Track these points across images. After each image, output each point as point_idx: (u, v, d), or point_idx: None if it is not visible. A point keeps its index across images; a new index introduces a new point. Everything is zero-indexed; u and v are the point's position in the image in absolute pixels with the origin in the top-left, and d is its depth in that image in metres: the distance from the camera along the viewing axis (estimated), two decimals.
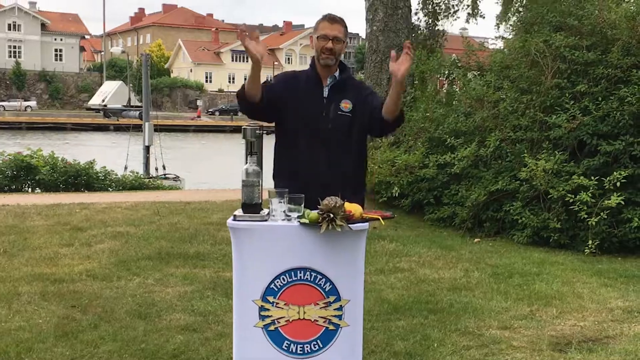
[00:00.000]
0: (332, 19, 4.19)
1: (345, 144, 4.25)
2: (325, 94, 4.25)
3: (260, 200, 3.86)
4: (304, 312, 3.77)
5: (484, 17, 14.84)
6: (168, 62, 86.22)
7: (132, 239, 8.32)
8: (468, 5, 14.80)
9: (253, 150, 3.95)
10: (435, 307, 5.83)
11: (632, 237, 7.75)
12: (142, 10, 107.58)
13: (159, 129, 21.65)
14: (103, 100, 62.00)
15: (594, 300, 6.05)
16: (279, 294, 3.74)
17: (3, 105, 65.57)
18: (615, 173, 7.77)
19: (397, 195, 9.71)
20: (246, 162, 3.90)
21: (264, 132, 4.07)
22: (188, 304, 5.87)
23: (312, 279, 3.75)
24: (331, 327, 3.78)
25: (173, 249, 7.80)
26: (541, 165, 8.06)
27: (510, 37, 11.60)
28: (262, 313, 3.75)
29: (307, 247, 3.74)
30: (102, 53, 75.52)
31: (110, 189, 15.79)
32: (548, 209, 8.20)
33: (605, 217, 7.64)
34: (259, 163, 3.96)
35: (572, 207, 7.81)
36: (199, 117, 67.16)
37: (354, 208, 3.83)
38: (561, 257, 7.67)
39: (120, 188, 15.94)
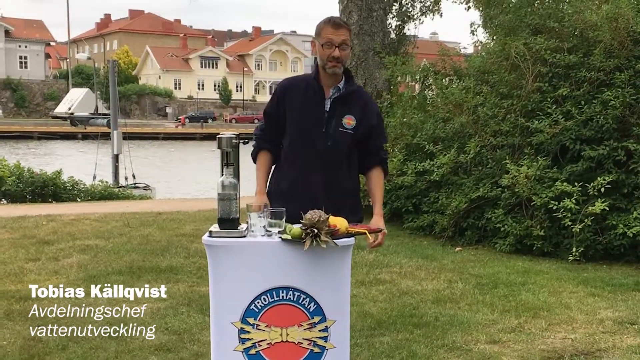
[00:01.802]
0: (336, 24, 3.83)
1: (344, 163, 3.98)
2: (327, 107, 3.93)
3: (238, 215, 3.63)
4: (287, 334, 3.55)
5: (441, 16, 14.49)
6: (136, 69, 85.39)
7: (101, 252, 8.04)
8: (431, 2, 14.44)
9: (229, 161, 3.72)
10: (420, 321, 5.62)
11: (617, 244, 7.58)
12: (108, 16, 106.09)
13: (127, 137, 21.30)
14: (69, 108, 61.09)
15: (583, 311, 5.89)
16: (259, 315, 3.52)
17: None
18: (599, 179, 7.62)
19: None
20: (222, 174, 3.68)
21: (241, 141, 3.83)
22: (162, 322, 5.62)
23: (295, 299, 3.53)
24: (316, 349, 3.56)
25: (145, 262, 7.52)
26: (523, 172, 7.90)
27: (488, 41, 11.46)
28: (242, 336, 3.52)
29: (289, 264, 3.52)
30: (68, 60, 74.52)
31: (79, 199, 15.52)
32: (531, 216, 8.04)
33: (590, 223, 7.48)
34: (236, 174, 3.74)
35: (555, 214, 7.65)
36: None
37: (338, 222, 3.62)
38: (545, 266, 7.51)
39: (89, 198, 15.67)
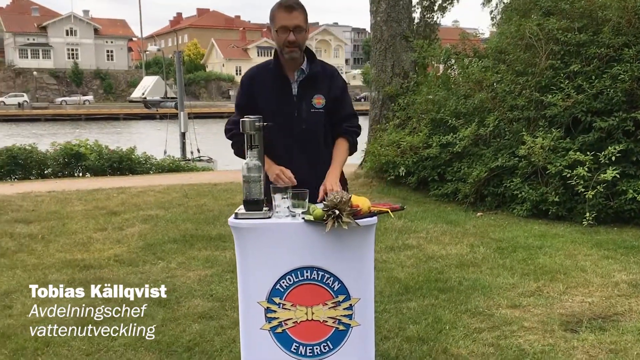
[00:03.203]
0: (288, 7, 3.21)
1: (322, 141, 3.42)
2: (295, 91, 3.35)
3: (262, 197, 3.13)
4: (312, 313, 3.04)
5: (458, 2, 13.62)
6: (203, 58, 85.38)
7: (160, 221, 7.64)
8: None
9: (253, 143, 3.20)
10: (445, 285, 5.07)
11: (627, 209, 6.90)
12: (179, 14, 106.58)
13: (194, 116, 20.95)
14: (143, 94, 61.15)
15: (598, 274, 5.27)
16: (285, 295, 3.02)
17: (65, 100, 65.21)
18: (610, 148, 6.92)
19: (403, 174, 8.93)
20: (246, 157, 3.17)
21: (265, 124, 3.29)
22: (207, 289, 5.17)
23: (319, 278, 3.02)
24: (341, 327, 3.06)
25: (197, 231, 7.10)
26: (539, 143, 7.23)
27: (502, 23, 10.70)
28: (269, 315, 3.03)
29: (313, 245, 3.00)
30: (147, 52, 74.58)
31: (151, 172, 15.20)
32: (546, 183, 7.38)
33: (602, 190, 6.81)
34: (260, 157, 3.23)
35: (569, 181, 6.99)
36: None
37: (361, 202, 3.08)
38: (561, 229, 6.86)
39: (159, 171, 15.35)
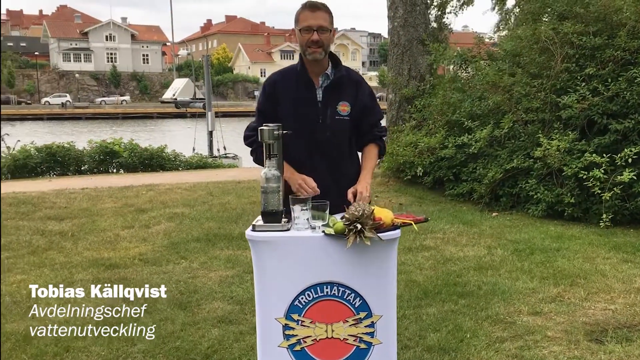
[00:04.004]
0: (313, 6, 2.90)
1: (347, 149, 3.05)
2: (320, 97, 2.98)
3: (282, 208, 2.76)
4: (332, 331, 2.67)
5: (473, 5, 13.07)
6: (231, 61, 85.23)
7: (185, 220, 7.31)
8: None
9: (272, 152, 2.82)
10: (464, 290, 4.67)
11: None
12: (209, 21, 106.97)
13: (222, 115, 20.63)
14: (174, 95, 61.02)
15: (619, 279, 4.83)
16: (304, 311, 2.65)
17: (104, 100, 65.56)
18: (626, 150, 6.44)
19: (421, 174, 8.50)
20: (265, 166, 2.80)
21: (284, 132, 2.91)
22: (227, 290, 4.82)
23: (340, 295, 2.65)
24: (362, 345, 2.68)
25: (220, 229, 6.76)
26: (555, 145, 6.77)
27: (515, 27, 10.20)
28: (287, 332, 2.66)
29: (333, 259, 2.63)
30: (179, 56, 74.58)
31: (180, 169, 14.92)
32: (561, 184, 6.92)
33: (618, 191, 6.34)
34: (279, 167, 2.86)
35: (586, 183, 6.52)
36: None
37: (384, 214, 2.70)
38: (577, 231, 6.40)
39: (188, 167, 15.06)
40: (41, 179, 12.40)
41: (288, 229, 2.70)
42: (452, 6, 11.63)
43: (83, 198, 8.89)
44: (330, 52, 3.00)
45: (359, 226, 2.53)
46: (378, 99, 3.35)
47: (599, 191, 6.37)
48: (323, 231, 2.64)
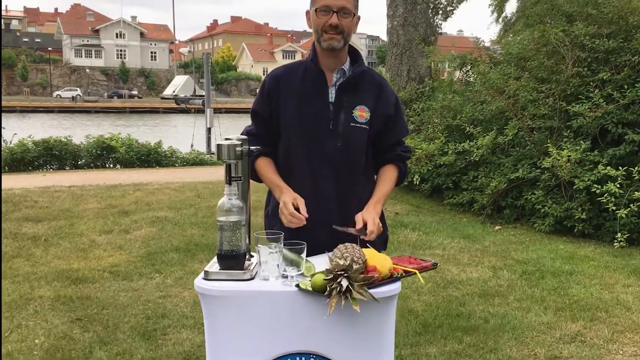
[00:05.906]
0: None
1: (361, 167, 2.20)
2: (332, 97, 2.15)
3: (245, 249, 1.95)
4: None
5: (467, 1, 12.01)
6: (235, 60, 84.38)
7: (168, 225, 6.50)
8: None
9: (233, 175, 2.01)
10: (469, 323, 3.85)
11: None
12: (215, 21, 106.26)
13: (223, 111, 19.79)
14: (174, 91, 59.92)
15: None
16: None
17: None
18: None
19: (417, 182, 7.66)
20: (224, 193, 2.00)
21: (251, 148, 2.08)
22: (200, 316, 3.97)
23: None
24: None
25: (203, 238, 5.96)
26: (565, 155, 5.94)
27: (518, 30, 9.35)
28: None
29: (310, 322, 1.83)
30: (188, 53, 73.68)
31: (176, 165, 14.14)
32: (570, 197, 6.09)
33: (635, 208, 5.50)
34: (244, 194, 2.05)
35: (599, 198, 5.69)
36: None
37: (379, 262, 1.90)
38: (589, 250, 5.54)
39: (184, 164, 14.28)
40: (36, 173, 11.63)
41: (251, 278, 1.90)
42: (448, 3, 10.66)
43: (67, 197, 8.08)
44: (350, 45, 2.18)
45: (345, 283, 1.72)
46: None
47: (614, 207, 5.55)
48: (297, 284, 1.83)
